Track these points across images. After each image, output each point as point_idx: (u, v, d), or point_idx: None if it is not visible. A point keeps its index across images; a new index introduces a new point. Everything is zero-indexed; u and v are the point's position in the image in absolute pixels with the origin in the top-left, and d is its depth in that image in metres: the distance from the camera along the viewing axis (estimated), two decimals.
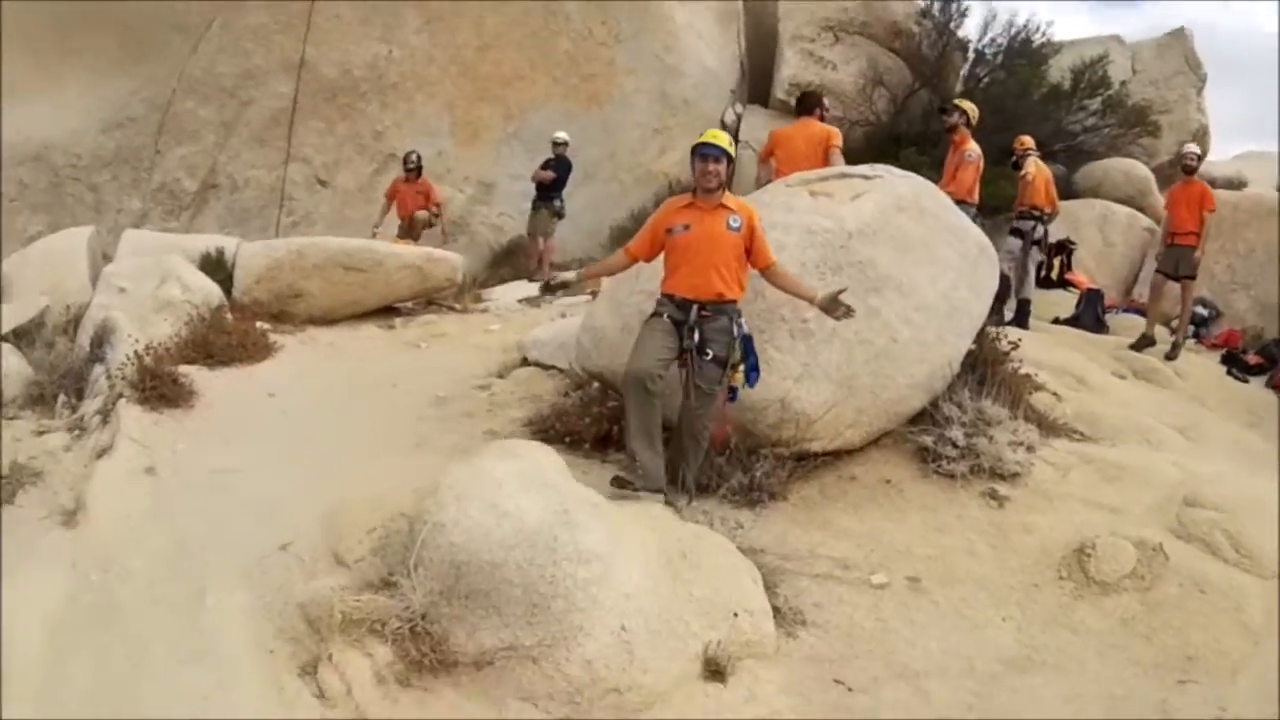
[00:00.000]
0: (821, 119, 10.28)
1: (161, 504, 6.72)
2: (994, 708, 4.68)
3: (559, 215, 15.50)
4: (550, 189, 15.35)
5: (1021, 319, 12.00)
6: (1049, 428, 7.49)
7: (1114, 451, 7.33)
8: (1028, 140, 13.37)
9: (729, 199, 6.43)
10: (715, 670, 4.76)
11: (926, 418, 7.07)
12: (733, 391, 6.38)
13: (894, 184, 7.64)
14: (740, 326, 6.30)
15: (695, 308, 6.26)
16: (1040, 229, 12.70)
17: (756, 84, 20.15)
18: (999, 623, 5.37)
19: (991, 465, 6.66)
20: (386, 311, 11.62)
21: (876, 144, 17.40)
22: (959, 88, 18.48)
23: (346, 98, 17.36)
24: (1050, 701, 4.76)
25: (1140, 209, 17.46)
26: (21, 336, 9.82)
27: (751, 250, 6.35)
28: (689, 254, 6.33)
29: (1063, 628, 5.33)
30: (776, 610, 5.22)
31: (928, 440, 6.89)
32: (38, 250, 11.89)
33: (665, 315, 6.32)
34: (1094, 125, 18.66)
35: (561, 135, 15.58)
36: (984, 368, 7.57)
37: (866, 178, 7.73)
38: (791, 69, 18.88)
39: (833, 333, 6.68)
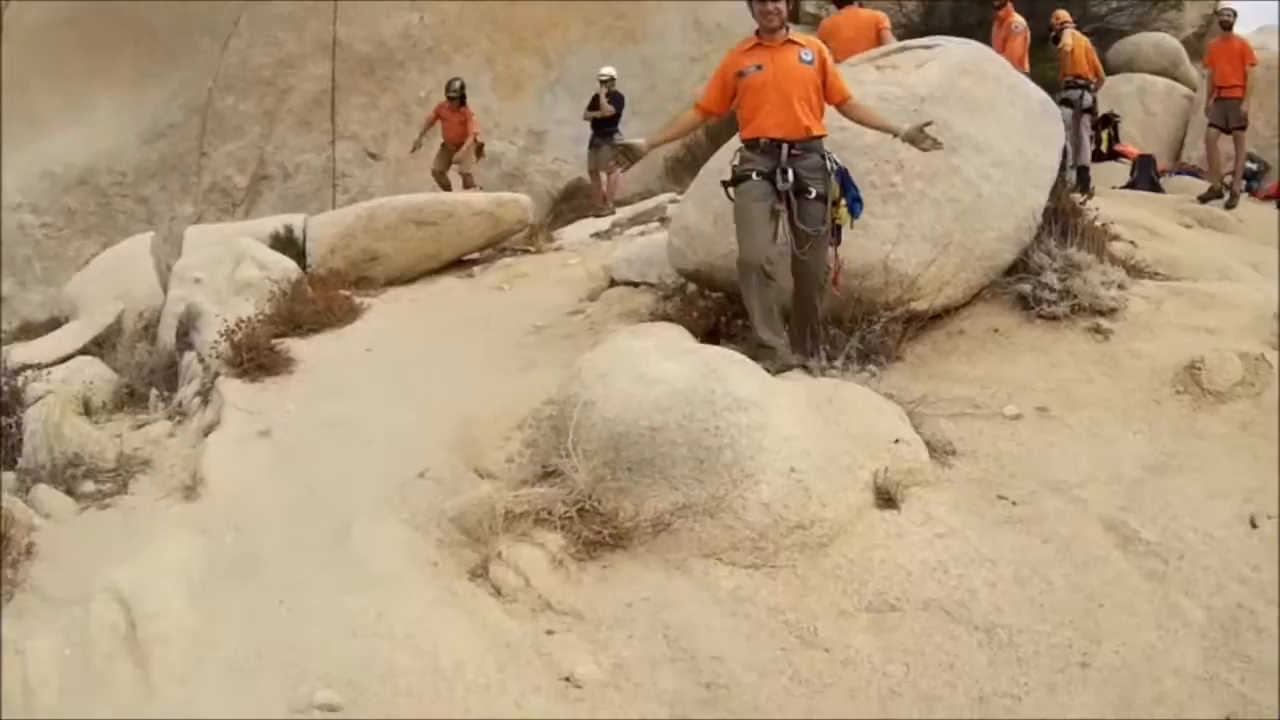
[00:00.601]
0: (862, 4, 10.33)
1: (284, 459, 6.74)
2: (1146, 506, 4.90)
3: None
4: (607, 124, 15.52)
5: (1083, 185, 11.90)
6: (1133, 270, 7.59)
7: (1199, 285, 7.47)
8: (1063, 14, 13.50)
9: (795, 34, 6.30)
10: (887, 498, 4.88)
11: (1019, 269, 7.12)
12: (837, 231, 6.23)
13: (953, 51, 7.67)
14: (833, 161, 6.17)
15: (785, 147, 6.05)
16: (1088, 97, 12.84)
17: None
18: (1130, 436, 5.52)
19: (1090, 303, 6.72)
20: (461, 264, 11.67)
21: None
22: None
23: (385, 69, 17.67)
24: (1195, 498, 4.95)
25: (1174, 79, 17.64)
26: (101, 345, 9.93)
27: (826, 84, 6.19)
28: (766, 92, 6.13)
29: (1189, 435, 5.49)
30: (926, 444, 5.38)
31: (1026, 288, 6.94)
32: (99, 266, 12.00)
33: (754, 173, 6.10)
34: (1119, 5, 18.81)
35: (607, 71, 15.75)
36: (1064, 219, 7.54)
37: (927, 48, 7.77)
38: None
39: (921, 194, 6.75)
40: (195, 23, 17.33)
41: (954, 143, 6.79)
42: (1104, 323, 6.60)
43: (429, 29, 17.77)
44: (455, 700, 3.97)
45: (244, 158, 17.61)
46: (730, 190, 6.26)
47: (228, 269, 10.03)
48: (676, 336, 5.70)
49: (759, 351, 5.95)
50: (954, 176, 6.84)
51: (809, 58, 6.15)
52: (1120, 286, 6.95)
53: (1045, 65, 13.83)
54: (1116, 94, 16.36)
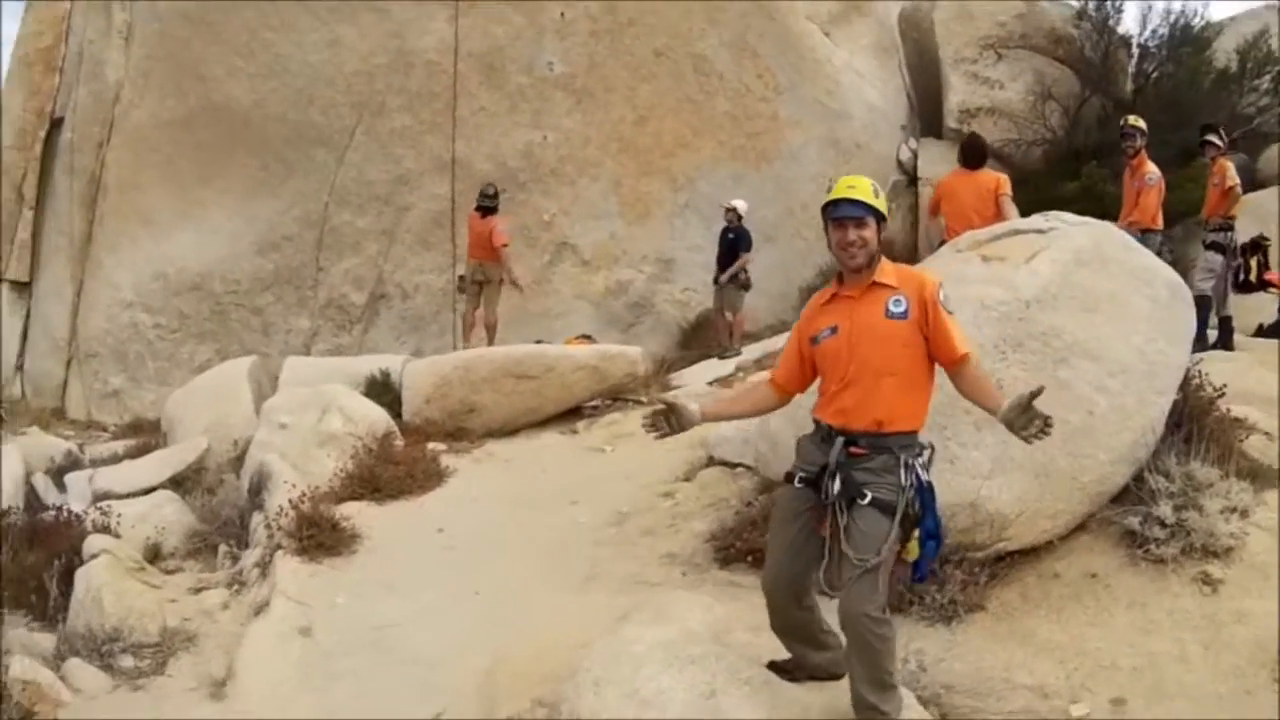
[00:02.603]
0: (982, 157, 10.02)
1: (314, 670, 6.52)
2: None
3: (745, 287, 14.80)
4: (732, 259, 14.69)
5: (1226, 339, 11.06)
6: (1263, 478, 6.52)
7: None
8: (1220, 135, 11.80)
9: (887, 271, 4.55)
10: None
11: (1131, 492, 6.29)
12: (916, 569, 4.57)
13: (1071, 235, 6.93)
14: (916, 472, 4.43)
15: (840, 443, 4.46)
16: (1233, 237, 11.70)
17: (928, 114, 19.61)
18: None
19: (1204, 542, 5.88)
20: (569, 414, 11.23)
21: (1055, 161, 17.13)
22: (1129, 86, 18.09)
23: (507, 191, 16.92)
24: None
25: None
26: (180, 484, 9.85)
27: (931, 338, 4.44)
28: (839, 365, 4.53)
29: None
30: None
31: (1134, 522, 6.10)
32: (201, 385, 12.17)
33: (797, 477, 4.63)
34: (1267, 105, 17.60)
35: (735, 203, 15.05)
36: (1190, 421, 6.71)
37: (1041, 231, 7.04)
38: (959, 95, 18.42)
39: None
40: (310, 134, 17.06)
41: (1064, 352, 6.34)
42: (1215, 569, 5.77)
43: (552, 148, 17.10)
44: None
45: (361, 275, 17.18)
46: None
47: (314, 418, 9.81)
48: (696, 628, 5.12)
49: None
50: (1062, 392, 6.09)
51: (900, 308, 4.45)
52: (1243, 515, 6.06)
53: (1190, 185, 13.35)
54: (1265, 212, 14.85)
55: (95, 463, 11.71)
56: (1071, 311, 6.42)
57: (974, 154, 10.11)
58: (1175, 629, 5.40)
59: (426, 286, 17.07)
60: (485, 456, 10.14)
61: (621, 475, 9.05)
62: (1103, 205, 12.54)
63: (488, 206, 14.22)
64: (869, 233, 4.44)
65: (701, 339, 16.14)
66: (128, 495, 9.72)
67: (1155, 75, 17.86)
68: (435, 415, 10.72)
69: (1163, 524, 5.95)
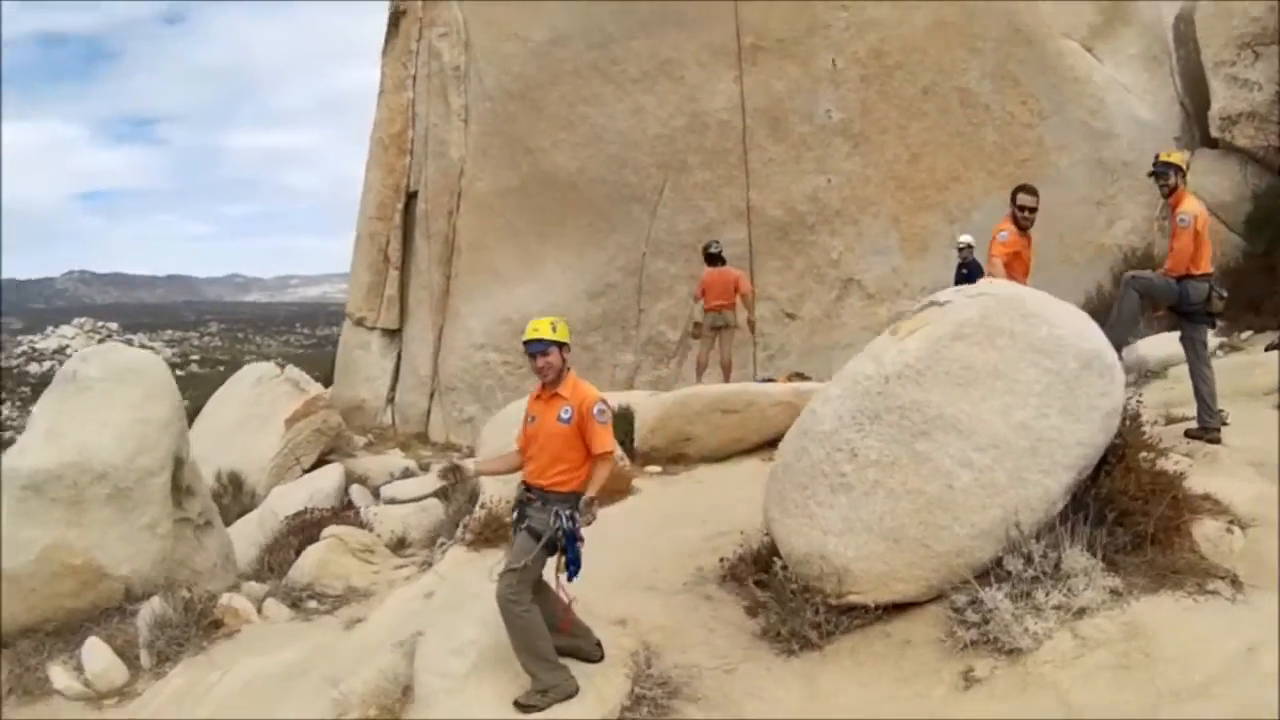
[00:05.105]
0: None
1: (417, 616, 7.93)
2: None
3: None
4: None
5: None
6: (1190, 574, 6.27)
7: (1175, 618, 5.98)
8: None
9: (567, 386, 6.37)
10: None
11: (995, 570, 6.36)
12: (570, 577, 6.30)
13: (960, 309, 7.06)
14: (564, 519, 6.16)
15: (523, 490, 6.40)
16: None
17: (1205, 122, 18.05)
18: None
19: (997, 636, 5.97)
20: (773, 442, 11.80)
21: None
22: None
23: (796, 233, 18.39)
24: None
25: None
26: (447, 493, 11.98)
27: (584, 439, 6.24)
28: (532, 445, 6.41)
29: None
30: None
31: (961, 600, 6.30)
32: (506, 412, 13.51)
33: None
34: None
35: (965, 239, 15.42)
36: (1100, 503, 6.52)
37: (939, 304, 7.31)
38: (1220, 101, 16.92)
39: (874, 484, 6.54)
40: (625, 193, 19.21)
41: (925, 426, 6.52)
42: (981, 668, 5.91)
43: (835, 190, 18.27)
44: None
45: (674, 314, 19.10)
46: None
47: None
48: None
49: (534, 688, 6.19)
50: (920, 465, 6.48)
51: (566, 416, 6.27)
52: (1078, 614, 5.98)
53: None
54: None
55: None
56: (940, 386, 6.61)
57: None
58: (904, 711, 5.82)
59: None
60: (687, 479, 11.44)
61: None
62: None
63: (720, 255, 15.45)
64: (553, 358, 6.31)
65: None
66: (406, 501, 12.57)
67: None
68: (658, 443, 12.20)
69: (977, 608, 6.14)
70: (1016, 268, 9.42)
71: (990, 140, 18.01)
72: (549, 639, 6.20)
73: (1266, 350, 10.16)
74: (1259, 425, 9.08)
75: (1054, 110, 17.80)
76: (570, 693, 6.08)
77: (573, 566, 6.27)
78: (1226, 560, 6.51)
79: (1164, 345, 12.01)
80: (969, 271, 14.98)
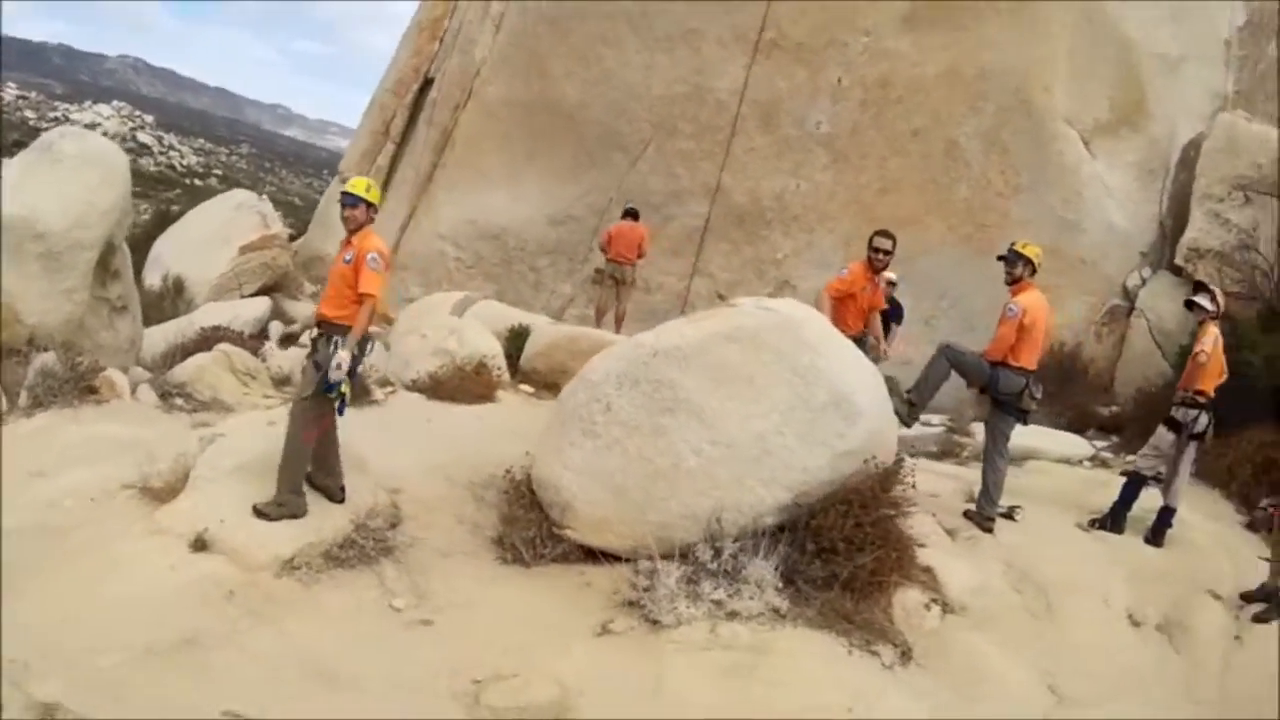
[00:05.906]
0: None
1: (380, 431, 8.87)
2: None
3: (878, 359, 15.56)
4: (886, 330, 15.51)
5: (1157, 530, 9.61)
6: (858, 625, 6.69)
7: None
8: (1213, 296, 9.93)
9: (362, 236, 7.32)
10: None
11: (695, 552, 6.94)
12: (340, 411, 7.27)
13: (744, 315, 7.69)
14: (335, 346, 7.09)
15: (316, 328, 7.44)
16: (1205, 420, 9.69)
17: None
18: None
19: (649, 604, 6.67)
20: None
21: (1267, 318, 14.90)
22: None
23: (753, 224, 19.23)
24: None
25: None
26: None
27: (357, 279, 7.18)
28: (326, 284, 7.56)
29: None
30: None
31: (646, 565, 6.92)
32: (430, 301, 15.74)
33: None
34: None
35: (890, 275, 15.97)
36: (828, 532, 6.92)
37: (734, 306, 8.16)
38: (1194, 232, 16.80)
39: (616, 440, 7.23)
40: (614, 139, 20.18)
41: (672, 404, 7.13)
42: (620, 625, 6.62)
43: (801, 197, 19.01)
44: None
45: None
46: None
47: (441, 336, 12.88)
48: None
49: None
50: (657, 437, 7.12)
51: (349, 258, 7.26)
52: (729, 616, 6.56)
53: None
54: None
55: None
56: (698, 375, 7.16)
57: None
58: (540, 638, 6.43)
59: (668, 287, 19.73)
60: (547, 405, 11.79)
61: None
62: None
63: (635, 213, 16.92)
64: (359, 213, 7.35)
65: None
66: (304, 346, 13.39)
67: None
68: (540, 367, 13.29)
69: (649, 576, 6.76)
70: (849, 307, 10.07)
71: (961, 196, 18.34)
72: (304, 470, 7.34)
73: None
74: (1041, 534, 9.37)
75: (1029, 187, 18.03)
76: (298, 513, 7.18)
77: (339, 400, 7.20)
78: (912, 633, 6.93)
79: (1035, 437, 12.30)
80: (889, 309, 15.71)
